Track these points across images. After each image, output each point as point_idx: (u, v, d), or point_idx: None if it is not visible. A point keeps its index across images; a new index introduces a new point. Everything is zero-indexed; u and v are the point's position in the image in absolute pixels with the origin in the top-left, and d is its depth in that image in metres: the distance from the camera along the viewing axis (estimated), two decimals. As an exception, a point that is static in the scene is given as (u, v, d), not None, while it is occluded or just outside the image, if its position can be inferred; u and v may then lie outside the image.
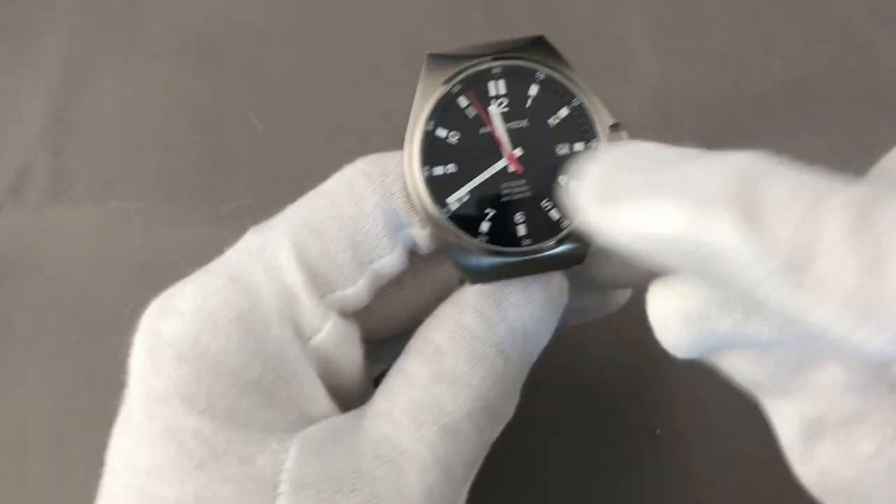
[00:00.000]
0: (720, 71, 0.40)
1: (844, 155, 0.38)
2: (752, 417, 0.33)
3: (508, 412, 0.23)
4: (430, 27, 0.42)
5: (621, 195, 0.17)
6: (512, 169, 0.23)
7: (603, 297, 0.28)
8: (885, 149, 0.21)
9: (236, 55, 0.41)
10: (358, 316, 0.24)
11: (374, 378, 0.25)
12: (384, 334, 0.26)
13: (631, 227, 0.17)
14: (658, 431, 0.33)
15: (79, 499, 0.22)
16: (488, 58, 0.24)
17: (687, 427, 0.33)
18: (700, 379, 0.33)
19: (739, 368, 0.20)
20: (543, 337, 0.24)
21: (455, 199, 0.23)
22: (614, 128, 0.23)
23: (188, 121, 0.39)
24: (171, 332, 0.21)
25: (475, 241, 0.23)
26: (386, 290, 0.25)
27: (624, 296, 0.29)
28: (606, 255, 0.25)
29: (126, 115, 0.40)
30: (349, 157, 0.24)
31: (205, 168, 0.38)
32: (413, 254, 0.24)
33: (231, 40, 0.41)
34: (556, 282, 0.23)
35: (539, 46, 0.24)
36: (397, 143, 0.24)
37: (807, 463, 0.19)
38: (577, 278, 0.25)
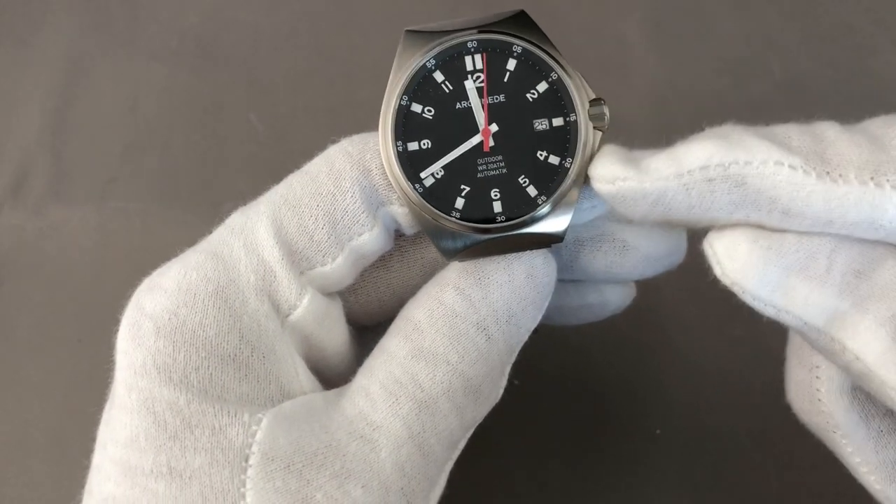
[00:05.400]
0: (720, 71, 0.40)
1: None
2: (752, 418, 0.33)
3: (493, 393, 0.23)
4: (429, 27, 0.42)
5: (643, 156, 0.21)
6: (488, 144, 0.23)
7: (601, 295, 0.28)
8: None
9: (236, 55, 0.41)
10: (346, 298, 0.25)
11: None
12: (374, 318, 0.26)
13: (662, 169, 0.20)
14: (658, 431, 0.33)
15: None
16: (466, 32, 0.23)
17: (687, 427, 0.33)
18: (700, 379, 0.33)
19: (808, 296, 0.20)
20: (530, 317, 0.23)
21: (428, 175, 0.22)
22: (595, 102, 0.23)
23: (188, 121, 0.39)
24: (153, 307, 0.21)
25: (449, 217, 0.22)
26: (373, 271, 0.25)
27: (628, 296, 0.28)
28: (598, 242, 0.25)
29: (126, 115, 0.40)
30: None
31: (205, 168, 0.38)
32: (400, 235, 0.24)
33: (231, 40, 0.41)
34: (541, 260, 0.23)
35: (519, 21, 0.23)
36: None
37: None
38: (568, 269, 0.25)
